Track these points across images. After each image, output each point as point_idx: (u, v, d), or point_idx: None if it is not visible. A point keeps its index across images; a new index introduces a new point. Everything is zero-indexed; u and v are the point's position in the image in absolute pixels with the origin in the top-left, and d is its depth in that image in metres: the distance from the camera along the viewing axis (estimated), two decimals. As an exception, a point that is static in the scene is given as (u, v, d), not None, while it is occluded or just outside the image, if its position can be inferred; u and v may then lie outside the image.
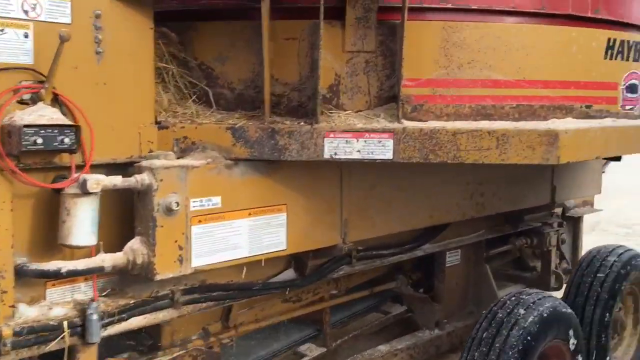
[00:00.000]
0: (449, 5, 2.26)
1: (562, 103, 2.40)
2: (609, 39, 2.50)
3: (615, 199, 9.93)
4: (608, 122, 2.49)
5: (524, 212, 3.92)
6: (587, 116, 2.48)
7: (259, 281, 2.54)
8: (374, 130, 2.11)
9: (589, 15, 2.50)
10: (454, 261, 3.63)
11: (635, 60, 2.64)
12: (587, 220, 8.09)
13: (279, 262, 2.61)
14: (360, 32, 2.18)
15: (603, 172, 5.66)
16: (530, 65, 2.32)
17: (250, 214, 2.22)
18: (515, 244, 4.04)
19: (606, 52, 2.50)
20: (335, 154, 2.13)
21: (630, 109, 2.66)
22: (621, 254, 3.56)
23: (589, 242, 7.26)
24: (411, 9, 2.20)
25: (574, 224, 4.82)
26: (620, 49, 2.55)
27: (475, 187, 3.21)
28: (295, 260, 2.69)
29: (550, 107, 2.38)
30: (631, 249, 3.70)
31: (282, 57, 2.23)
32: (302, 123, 2.15)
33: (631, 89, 2.64)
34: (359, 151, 2.12)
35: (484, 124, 2.17)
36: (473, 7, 2.27)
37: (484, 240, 3.72)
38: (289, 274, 2.69)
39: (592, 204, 5.00)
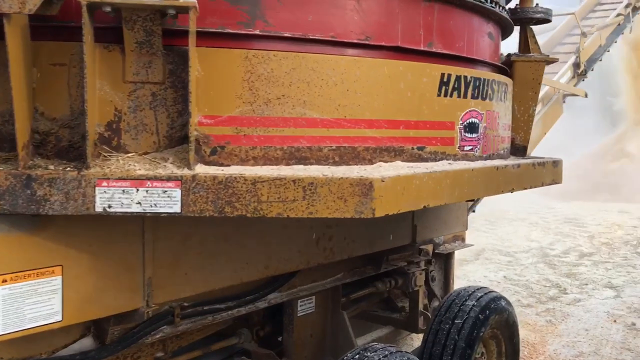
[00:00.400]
0: (257, 32, 1.95)
1: (390, 144, 2.15)
2: (442, 75, 2.29)
3: (502, 226, 10.17)
4: (443, 165, 2.27)
5: (388, 252, 3.70)
6: (420, 159, 2.25)
7: (41, 355, 2.09)
8: (157, 178, 1.74)
9: (421, 48, 2.29)
10: (307, 310, 3.32)
11: (474, 97, 2.46)
12: (471, 248, 8.18)
13: (74, 329, 2.18)
14: (144, 60, 1.81)
15: (473, 211, 5.61)
16: (351, 102, 2.05)
17: (5, 281, 1.78)
18: (378, 287, 3.80)
19: (440, 89, 2.29)
20: (110, 206, 1.74)
21: (470, 149, 2.46)
22: (480, 297, 3.39)
23: (471, 271, 7.30)
24: (209, 34, 1.88)
25: (445, 260, 4.67)
26: (456, 85, 2.35)
27: (322, 231, 2.92)
28: (95, 325, 2.26)
29: (377, 149, 2.12)
30: (492, 291, 3.55)
31: (50, 87, 1.82)
32: (69, 168, 1.75)
33: (470, 128, 2.44)
34: (139, 203, 1.75)
35: (291, 171, 1.86)
36: (284, 35, 1.98)
37: (340, 285, 3.43)
38: (86, 342, 2.25)
39: (463, 239, 4.89)
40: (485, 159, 2.58)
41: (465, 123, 2.42)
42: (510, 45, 3.44)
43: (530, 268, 7.32)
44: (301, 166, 1.97)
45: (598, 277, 6.86)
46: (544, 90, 8.07)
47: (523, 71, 3.13)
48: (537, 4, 3.20)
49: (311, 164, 2.00)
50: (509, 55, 3.18)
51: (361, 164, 2.09)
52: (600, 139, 15.98)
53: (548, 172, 2.96)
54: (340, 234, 3.03)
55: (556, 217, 10.97)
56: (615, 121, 16.48)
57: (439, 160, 2.31)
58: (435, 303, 4.38)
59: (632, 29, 10.95)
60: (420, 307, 4.13)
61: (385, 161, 2.14)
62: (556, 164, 3.03)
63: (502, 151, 2.80)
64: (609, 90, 16.18)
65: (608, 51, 9.96)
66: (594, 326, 5.15)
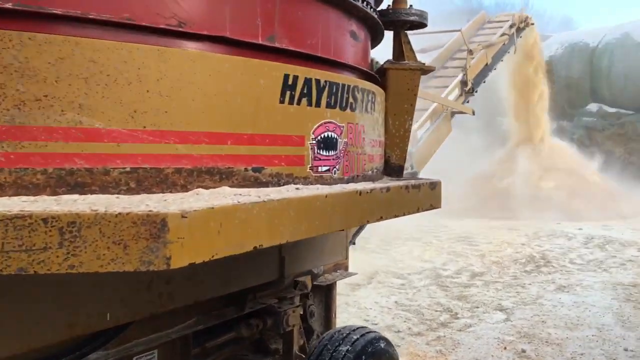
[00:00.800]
0: (7, 5, 1.37)
1: (213, 165, 1.63)
2: (286, 76, 1.81)
3: (397, 246, 9.96)
4: (289, 191, 1.78)
5: (255, 289, 3.17)
6: (257, 183, 1.74)
7: None
8: None
9: (259, 42, 1.80)
10: (148, 367, 2.70)
11: (330, 106, 2.00)
12: (364, 272, 7.85)
13: None
14: None
15: (353, 243, 5.23)
16: (155, 108, 1.51)
17: None
18: (242, 331, 3.26)
19: (283, 94, 1.80)
20: None
21: (326, 170, 2.00)
22: (355, 340, 2.94)
23: (362, 297, 6.92)
24: None
25: (326, 292, 4.21)
26: (305, 90, 1.88)
27: (155, 272, 2.33)
28: None
29: (194, 172, 1.59)
30: (370, 331, 3.11)
31: None
32: None
33: (326, 144, 1.98)
34: None
35: (48, 204, 1.29)
36: (51, 12, 1.41)
37: (191, 334, 2.85)
38: None
39: (346, 267, 4.46)
40: (347, 181, 2.12)
41: (319, 138, 1.95)
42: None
43: (422, 291, 7.06)
44: (75, 196, 1.40)
45: (488, 298, 6.70)
46: (432, 107, 7.98)
47: (397, 80, 2.75)
48: (410, 6, 2.83)
49: (93, 192, 1.44)
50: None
51: (171, 192, 1.55)
52: (490, 157, 16.45)
53: (425, 196, 2.56)
54: (182, 275, 2.46)
55: (449, 236, 10.95)
56: (504, 140, 17.06)
57: (283, 185, 1.82)
58: (315, 341, 3.90)
59: (517, 50, 11.31)
60: (296, 348, 3.61)
61: (207, 187, 1.62)
62: (434, 185, 2.65)
63: (370, 172, 2.36)
64: (498, 110, 16.75)
65: (495, 69, 10.14)
66: (484, 355, 4.89)
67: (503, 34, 10.37)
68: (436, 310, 6.26)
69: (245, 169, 1.71)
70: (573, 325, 5.75)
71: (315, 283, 3.96)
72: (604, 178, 15.51)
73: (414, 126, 7.57)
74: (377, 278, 7.73)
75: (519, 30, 11.11)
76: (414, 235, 10.73)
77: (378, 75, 2.79)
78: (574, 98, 19.96)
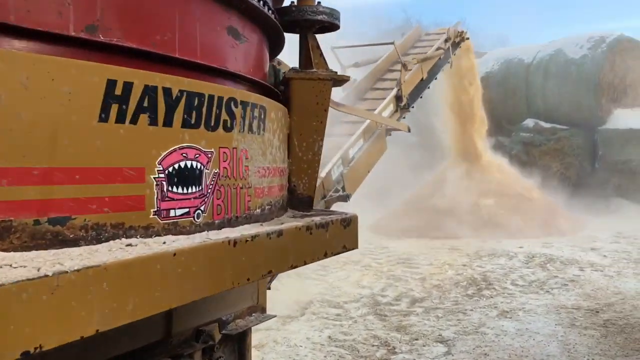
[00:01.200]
0: None
1: (-26, 218, 1.05)
2: (112, 83, 1.25)
3: (334, 271, 9.43)
4: (113, 250, 1.21)
5: (142, 348, 2.55)
6: (59, 242, 1.17)
7: None
8: None
9: (69, 33, 1.24)
10: None
11: (190, 125, 1.45)
12: (298, 301, 7.27)
13: None
14: None
15: (268, 288, 4.70)
16: None
17: None
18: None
19: (105, 108, 1.24)
20: None
21: (184, 214, 1.44)
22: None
23: (294, 332, 6.32)
24: None
25: (239, 341, 3.61)
26: (146, 104, 1.32)
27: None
28: None
29: None
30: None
31: None
32: None
33: (183, 177, 1.42)
34: None
35: None
36: None
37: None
38: None
39: (263, 309, 3.88)
40: (219, 226, 1.57)
41: (170, 169, 1.39)
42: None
43: (359, 322, 6.55)
44: None
45: (429, 328, 6.25)
46: (365, 123, 7.55)
47: (303, 93, 2.24)
48: (319, 2, 2.33)
49: None
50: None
51: None
52: (431, 173, 16.23)
53: (335, 236, 2.04)
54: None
55: (389, 258, 10.51)
56: (446, 155, 16.89)
57: (106, 241, 1.25)
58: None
59: (453, 65, 11.10)
60: (198, 414, 3.01)
61: (-37, 254, 1.03)
62: (347, 222, 2.13)
63: (259, 210, 1.82)
64: (438, 126, 16.56)
65: (428, 88, 9.85)
66: (422, 399, 4.40)
67: (438, 48, 10.14)
68: (372, 345, 5.75)
69: (36, 222, 1.13)
70: (517, 357, 5.35)
71: (224, 332, 3.38)
72: (543, 194, 15.52)
73: (346, 144, 7.12)
74: (311, 308, 7.17)
75: (455, 45, 10.92)
76: (353, 259, 10.21)
77: (283, 87, 2.28)
78: (511, 114, 20.13)
